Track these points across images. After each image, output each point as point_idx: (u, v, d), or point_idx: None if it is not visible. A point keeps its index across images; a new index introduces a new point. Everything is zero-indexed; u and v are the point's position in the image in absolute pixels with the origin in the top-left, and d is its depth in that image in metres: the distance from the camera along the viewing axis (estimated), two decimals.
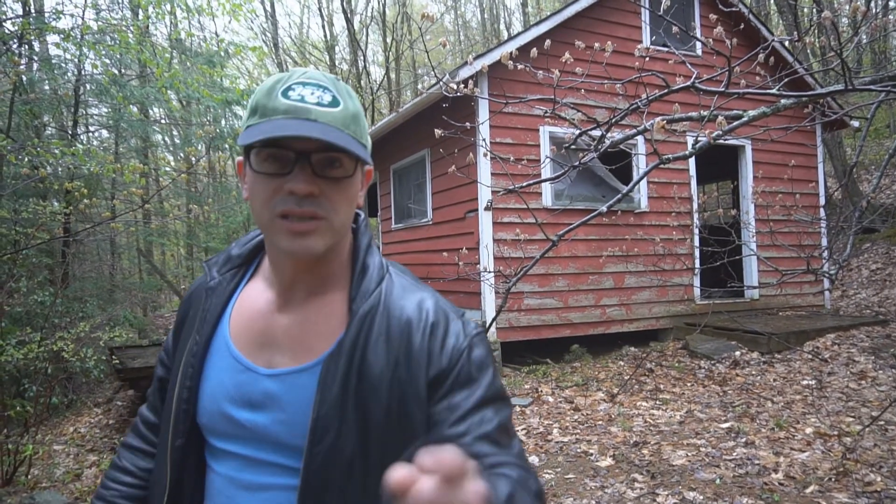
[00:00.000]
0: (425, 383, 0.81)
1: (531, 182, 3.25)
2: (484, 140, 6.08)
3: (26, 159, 5.35)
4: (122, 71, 10.70)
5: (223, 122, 11.75)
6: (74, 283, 9.25)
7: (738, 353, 6.40)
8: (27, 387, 5.56)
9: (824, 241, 7.66)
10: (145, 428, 1.04)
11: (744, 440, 4.11)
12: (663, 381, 5.84)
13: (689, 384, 5.75)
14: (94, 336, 6.20)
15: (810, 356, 6.09)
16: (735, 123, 2.65)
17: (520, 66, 2.94)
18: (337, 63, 22.31)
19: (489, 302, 6.57)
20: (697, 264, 7.56)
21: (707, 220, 11.24)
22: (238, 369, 0.86)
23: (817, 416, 4.56)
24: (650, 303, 7.46)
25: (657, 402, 5.18)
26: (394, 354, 0.81)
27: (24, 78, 7.53)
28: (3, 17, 7.20)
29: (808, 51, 10.76)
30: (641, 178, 3.29)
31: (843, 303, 8.98)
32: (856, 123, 8.70)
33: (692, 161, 7.60)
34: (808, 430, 4.22)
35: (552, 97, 2.83)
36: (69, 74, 8.79)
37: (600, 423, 4.72)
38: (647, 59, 3.07)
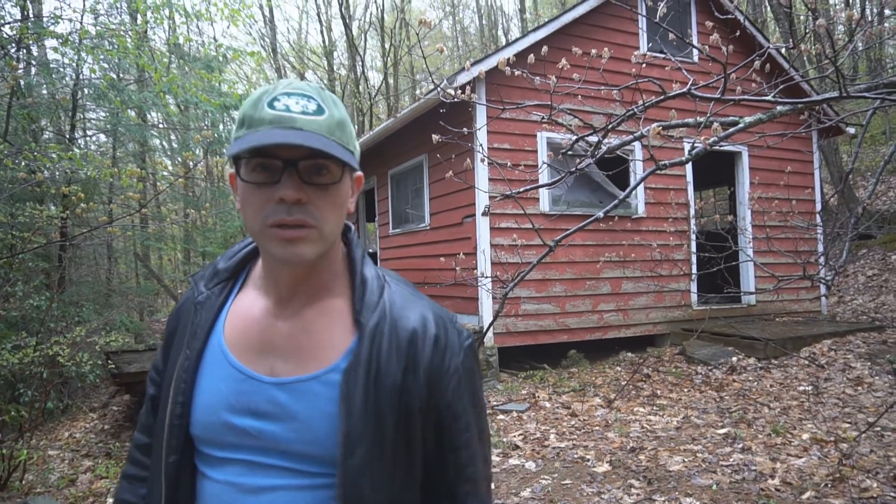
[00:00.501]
0: (426, 393, 0.84)
1: (528, 187, 3.26)
2: (481, 145, 6.09)
3: (23, 163, 5.34)
4: (121, 75, 10.72)
5: (221, 126, 11.75)
6: (71, 287, 9.23)
7: (734, 358, 6.40)
8: (22, 391, 5.54)
9: (821, 247, 7.68)
10: (140, 453, 1.03)
11: (740, 446, 4.11)
12: (660, 387, 5.84)
13: (685, 390, 5.75)
14: (90, 340, 6.18)
15: (807, 362, 6.10)
16: (731, 130, 2.67)
17: (517, 72, 2.95)
18: (335, 68, 22.36)
19: (486, 307, 6.57)
20: (694, 270, 7.58)
21: (704, 225, 11.24)
22: (238, 378, 0.86)
23: (814, 421, 4.56)
24: (647, 308, 7.47)
25: (654, 408, 5.17)
26: (402, 365, 0.84)
27: (22, 82, 7.54)
28: (2, 21, 7.21)
29: (805, 58, 10.82)
30: (638, 184, 3.30)
31: (840, 309, 9.00)
32: (852, 130, 8.73)
33: (689, 167, 7.63)
34: (805, 436, 4.22)
35: (549, 103, 2.84)
36: (67, 79, 8.80)
37: (597, 428, 4.71)
38: (644, 65, 3.09)
